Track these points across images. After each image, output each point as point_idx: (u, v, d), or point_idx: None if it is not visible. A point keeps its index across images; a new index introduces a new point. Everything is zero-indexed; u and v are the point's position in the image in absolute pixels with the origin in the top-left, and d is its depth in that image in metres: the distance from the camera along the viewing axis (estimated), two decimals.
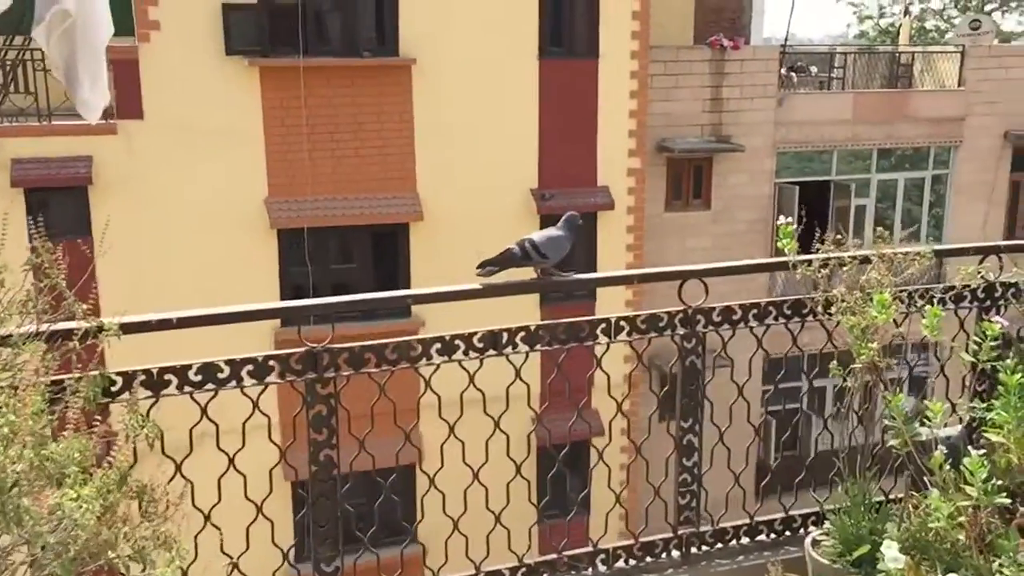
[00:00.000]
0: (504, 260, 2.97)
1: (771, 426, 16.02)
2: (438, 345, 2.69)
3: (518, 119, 13.42)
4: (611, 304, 14.34)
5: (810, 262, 2.84)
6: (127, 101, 11.92)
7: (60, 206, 12.01)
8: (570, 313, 12.06)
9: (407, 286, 13.59)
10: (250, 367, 2.50)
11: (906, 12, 24.16)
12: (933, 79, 18.51)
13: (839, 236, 2.86)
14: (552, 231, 3.04)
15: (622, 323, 2.88)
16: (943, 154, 17.62)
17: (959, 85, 17.33)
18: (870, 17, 32.59)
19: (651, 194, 14.88)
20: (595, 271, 14.33)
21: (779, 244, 2.82)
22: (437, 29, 12.78)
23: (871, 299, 2.63)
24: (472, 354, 2.74)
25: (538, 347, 2.80)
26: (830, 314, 2.86)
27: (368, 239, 13.53)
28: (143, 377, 2.49)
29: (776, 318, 3.03)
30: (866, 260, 2.83)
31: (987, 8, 30.45)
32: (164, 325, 2.42)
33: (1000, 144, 17.42)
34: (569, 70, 13.57)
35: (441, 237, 13.36)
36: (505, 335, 2.77)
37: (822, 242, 2.93)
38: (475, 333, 2.74)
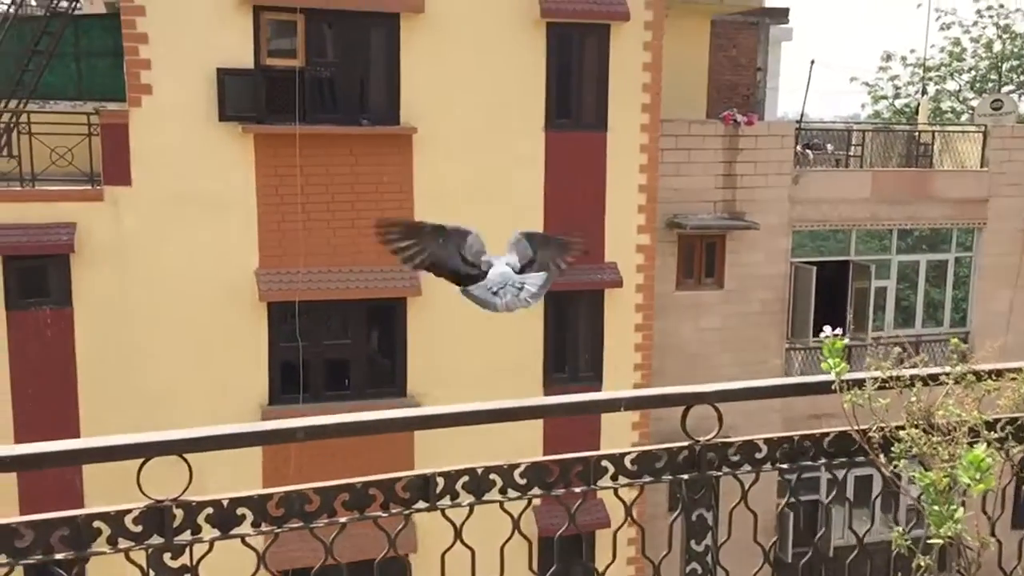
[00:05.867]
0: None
1: (788, 519, 15.12)
2: (345, 496, 1.99)
3: (523, 192, 12.87)
4: (619, 385, 13.59)
5: (860, 384, 2.15)
6: (115, 167, 11.45)
7: (40, 275, 11.48)
8: (575, 393, 11.28)
9: (403, 364, 12.91)
10: (64, 531, 1.80)
11: (923, 91, 23.80)
12: (953, 159, 17.97)
13: (904, 351, 2.16)
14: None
15: (604, 463, 2.17)
16: (965, 236, 16.97)
17: (981, 166, 16.76)
18: (885, 97, 32.32)
19: (661, 272, 14.24)
20: (602, 351, 13.63)
21: (824, 365, 2.13)
22: (440, 98, 12.33)
23: (948, 437, 1.94)
24: (394, 507, 2.03)
25: (487, 498, 2.09)
26: (891, 457, 2.15)
27: (363, 314, 12.88)
28: None
29: (814, 458, 2.32)
30: (934, 379, 2.13)
31: (1004, 90, 30.15)
32: None
33: None
34: (576, 142, 13.07)
35: (440, 313, 12.71)
36: (441, 481, 2.06)
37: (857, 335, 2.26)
38: (399, 479, 2.03)
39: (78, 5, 13.69)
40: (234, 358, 12.06)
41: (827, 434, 2.32)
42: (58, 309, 11.51)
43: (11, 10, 13.63)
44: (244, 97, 11.59)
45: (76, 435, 11.73)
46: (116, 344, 11.69)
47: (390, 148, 12.37)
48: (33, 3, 15.52)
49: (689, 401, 2.22)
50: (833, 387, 2.17)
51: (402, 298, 12.62)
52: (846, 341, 2.15)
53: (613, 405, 2.22)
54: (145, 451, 1.79)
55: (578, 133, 13.09)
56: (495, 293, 2.82)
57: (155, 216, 11.58)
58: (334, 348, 12.90)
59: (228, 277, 11.90)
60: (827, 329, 2.10)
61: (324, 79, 12.22)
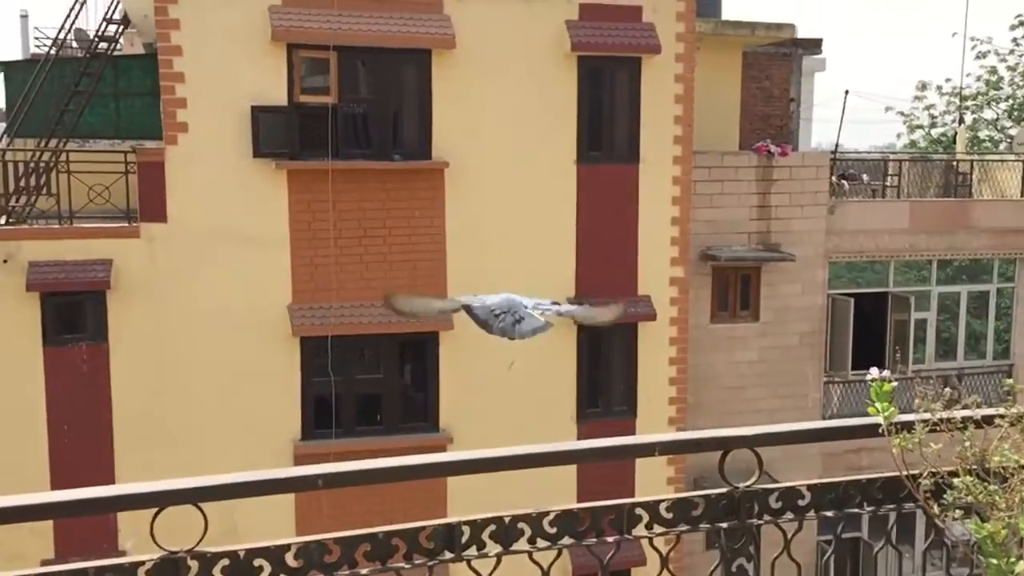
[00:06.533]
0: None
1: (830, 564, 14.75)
2: (367, 546, 1.91)
3: (555, 225, 12.83)
4: (654, 419, 13.41)
5: (909, 428, 2.03)
6: (151, 204, 11.59)
7: (77, 311, 11.59)
8: (610, 429, 11.24)
9: (436, 398, 12.85)
10: None
11: (960, 120, 23.51)
12: (992, 189, 17.70)
13: (953, 391, 2.05)
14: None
15: (638, 511, 2.07)
16: (1007, 267, 16.65)
17: (1022, 195, 16.48)
18: (921, 127, 31.99)
19: (695, 304, 14.09)
20: (636, 385, 13.47)
21: (871, 410, 2.03)
22: (472, 132, 12.37)
23: (1006, 485, 1.82)
24: (417, 558, 1.95)
25: (515, 548, 2.00)
26: (943, 505, 2.03)
27: (396, 348, 12.86)
28: None
29: (860, 504, 2.21)
30: (988, 422, 2.01)
31: None
32: None
33: None
34: (609, 175, 13.02)
35: (473, 347, 12.64)
36: (466, 530, 1.98)
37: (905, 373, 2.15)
38: (422, 528, 1.95)
39: (117, 46, 13.98)
40: (267, 393, 12.07)
41: (875, 480, 2.20)
42: (94, 345, 11.61)
43: (52, 51, 13.94)
44: (278, 134, 11.70)
45: (110, 469, 11.78)
46: (150, 379, 11.75)
47: (422, 182, 12.40)
48: (74, 45, 15.89)
49: (728, 445, 2.11)
50: (880, 430, 2.06)
51: (434, 332, 12.58)
52: (894, 384, 2.04)
53: (647, 450, 2.13)
54: (157, 500, 1.73)
55: (610, 166, 13.05)
56: (497, 316, 2.98)
57: (190, 252, 11.68)
58: (366, 383, 12.87)
59: (262, 312, 11.94)
60: (874, 371, 2.00)
61: (357, 115, 12.31)
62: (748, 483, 2.15)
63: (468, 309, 2.86)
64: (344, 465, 1.94)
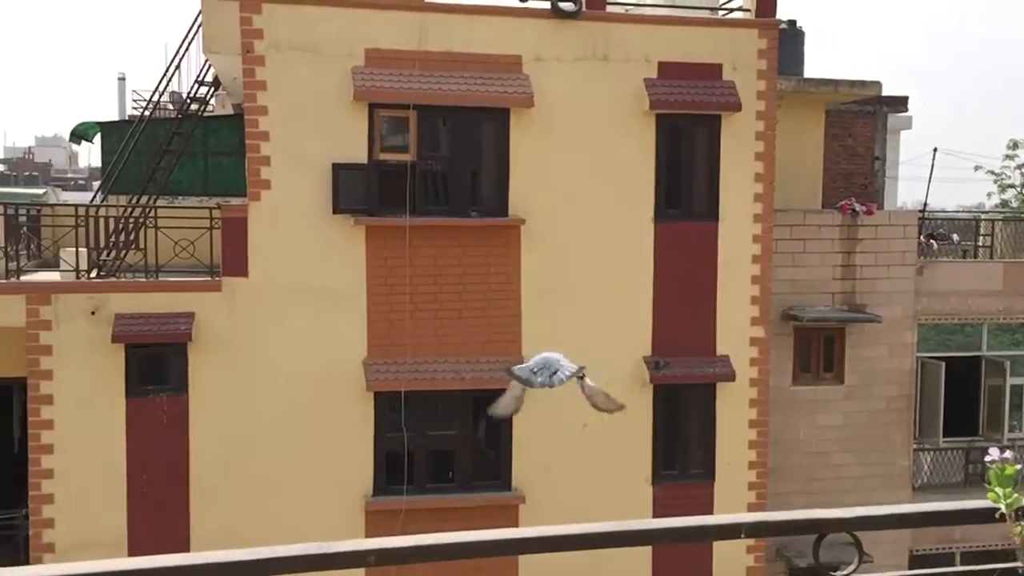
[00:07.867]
0: None
1: None
2: None
3: (632, 282, 12.66)
4: (733, 484, 12.96)
5: None
6: (234, 259, 11.82)
7: (159, 362, 11.82)
8: (686, 492, 10.87)
9: (508, 456, 12.67)
10: None
11: None
12: None
13: None
14: None
15: None
16: None
17: None
18: (1012, 186, 30.96)
19: (777, 365, 13.67)
20: (714, 447, 13.08)
21: (991, 495, 1.83)
22: (549, 189, 12.35)
23: None
24: None
25: None
26: None
27: (469, 404, 12.75)
28: None
29: None
30: None
31: None
32: None
33: None
34: (687, 233, 12.83)
35: (546, 404, 12.44)
36: None
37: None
38: None
39: (209, 107, 14.48)
40: (340, 447, 12.07)
41: (990, 573, 1.98)
42: (175, 396, 11.79)
43: (146, 112, 14.51)
44: (357, 190, 11.86)
45: (185, 520, 11.87)
46: (227, 431, 11.87)
47: (498, 239, 12.40)
48: (169, 106, 16.54)
49: (823, 528, 1.92)
50: (997, 515, 1.85)
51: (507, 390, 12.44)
52: (1017, 467, 1.84)
53: (733, 532, 1.95)
54: (195, 574, 1.63)
55: (689, 224, 12.86)
56: (535, 372, 3.41)
57: (269, 306, 11.84)
58: (439, 439, 12.77)
59: (337, 366, 12.00)
60: (994, 452, 1.80)
61: (435, 172, 12.43)
62: (847, 572, 1.95)
63: (509, 372, 3.27)
64: (398, 540, 1.82)
